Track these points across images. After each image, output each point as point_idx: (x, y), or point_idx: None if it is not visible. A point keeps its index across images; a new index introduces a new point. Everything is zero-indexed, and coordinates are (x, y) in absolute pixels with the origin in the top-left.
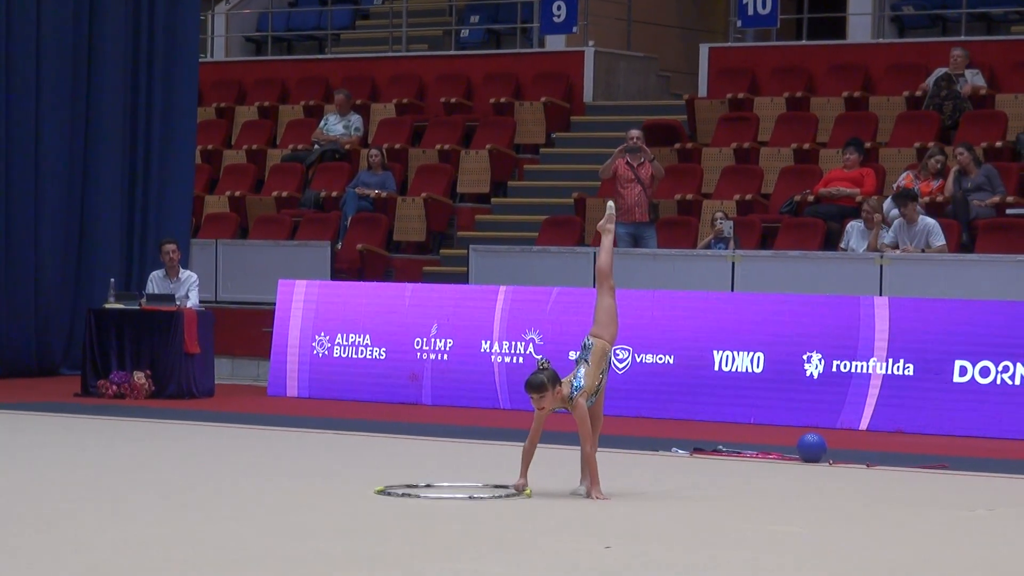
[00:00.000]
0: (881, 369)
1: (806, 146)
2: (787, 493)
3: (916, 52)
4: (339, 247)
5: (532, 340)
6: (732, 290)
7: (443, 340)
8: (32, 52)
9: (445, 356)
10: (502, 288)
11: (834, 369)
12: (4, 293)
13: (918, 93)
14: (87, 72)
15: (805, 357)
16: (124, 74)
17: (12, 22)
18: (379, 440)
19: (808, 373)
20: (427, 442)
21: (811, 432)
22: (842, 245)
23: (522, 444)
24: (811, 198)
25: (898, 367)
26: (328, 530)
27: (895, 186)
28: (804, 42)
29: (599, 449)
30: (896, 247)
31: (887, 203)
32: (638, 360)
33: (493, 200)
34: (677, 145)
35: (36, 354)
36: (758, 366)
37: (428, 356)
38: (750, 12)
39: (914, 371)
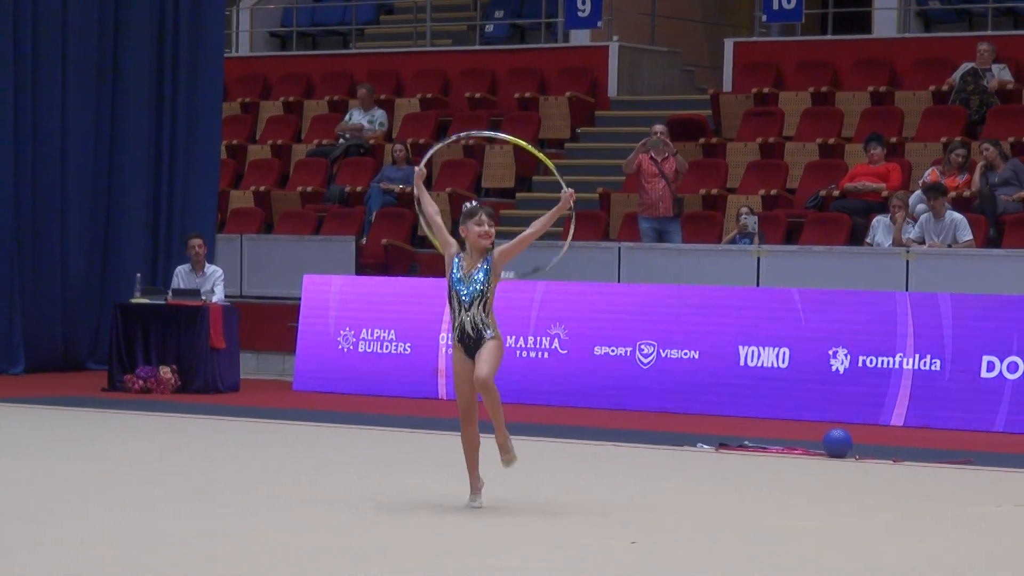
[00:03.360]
0: (908, 365)
1: (831, 141)
2: (812, 488)
3: (942, 47)
4: (364, 242)
5: (558, 335)
6: (757, 285)
7: None
8: (58, 49)
9: None
10: (540, 284)
11: (860, 364)
12: (31, 288)
13: (944, 88)
14: (112, 68)
15: (831, 352)
16: (149, 70)
17: (38, 19)
18: (403, 435)
19: (834, 368)
20: (453, 437)
21: (837, 428)
22: (868, 240)
23: (547, 439)
24: (836, 193)
25: (924, 363)
26: (346, 527)
27: (921, 181)
28: (829, 37)
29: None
30: (923, 242)
31: (913, 198)
32: (663, 355)
33: (517, 195)
34: (702, 140)
35: (63, 349)
36: (784, 361)
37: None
38: (775, 7)
39: (941, 367)
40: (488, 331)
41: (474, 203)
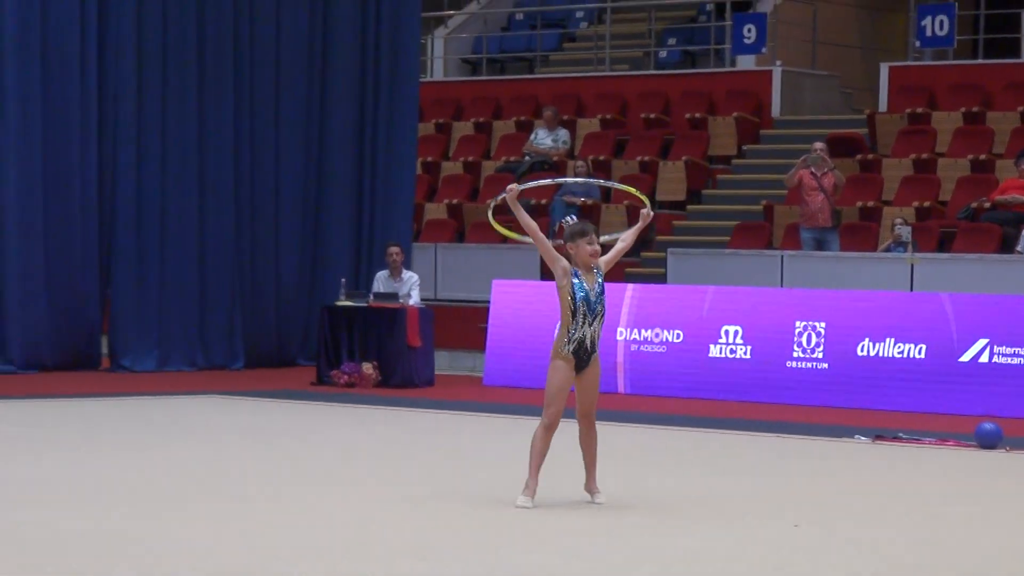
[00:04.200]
0: None
1: (982, 157)
2: (962, 477)
3: None
4: None
5: (737, 332)
6: (911, 290)
7: (634, 331)
8: (272, 79)
9: (641, 347)
10: (709, 288)
11: (1010, 363)
12: (250, 293)
13: None
14: (320, 93)
15: (981, 351)
16: (353, 94)
17: (255, 57)
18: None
19: (984, 366)
20: (623, 428)
21: (988, 421)
22: (1018, 248)
23: (717, 431)
24: (987, 205)
25: None
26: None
27: None
28: (980, 61)
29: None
30: None
31: None
32: (822, 354)
33: (689, 207)
34: (859, 156)
35: (277, 347)
36: (939, 359)
37: (630, 348)
38: (928, 32)
39: None
40: (597, 346)
41: (575, 219)
